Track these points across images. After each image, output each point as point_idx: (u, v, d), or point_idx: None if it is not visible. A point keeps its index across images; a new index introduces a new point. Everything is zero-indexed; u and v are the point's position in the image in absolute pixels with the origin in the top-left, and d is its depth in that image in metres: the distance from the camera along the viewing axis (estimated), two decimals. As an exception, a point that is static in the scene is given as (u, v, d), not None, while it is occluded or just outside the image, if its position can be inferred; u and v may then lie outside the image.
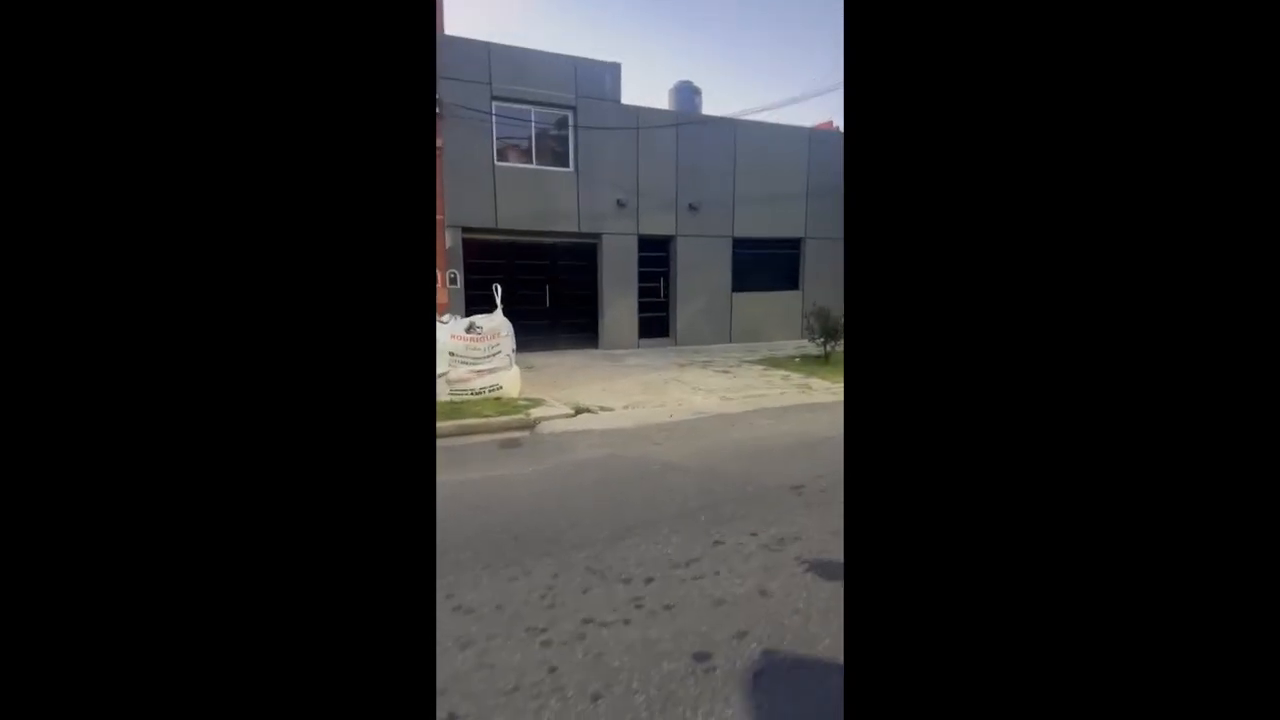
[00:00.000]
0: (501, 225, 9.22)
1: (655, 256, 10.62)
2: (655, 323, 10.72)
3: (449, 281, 8.88)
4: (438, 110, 8.50)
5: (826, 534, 2.89)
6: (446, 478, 3.65)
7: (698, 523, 3.05)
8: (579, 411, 5.74)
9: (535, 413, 5.59)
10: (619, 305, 10.23)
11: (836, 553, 2.68)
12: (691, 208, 10.62)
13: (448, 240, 8.82)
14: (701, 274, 10.87)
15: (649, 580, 2.44)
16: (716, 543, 2.80)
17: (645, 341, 10.55)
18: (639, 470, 3.91)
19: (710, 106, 11.51)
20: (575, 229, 9.78)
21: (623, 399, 6.34)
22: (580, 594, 2.33)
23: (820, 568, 2.55)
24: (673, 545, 2.77)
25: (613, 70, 9.83)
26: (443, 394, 5.90)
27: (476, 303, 8.42)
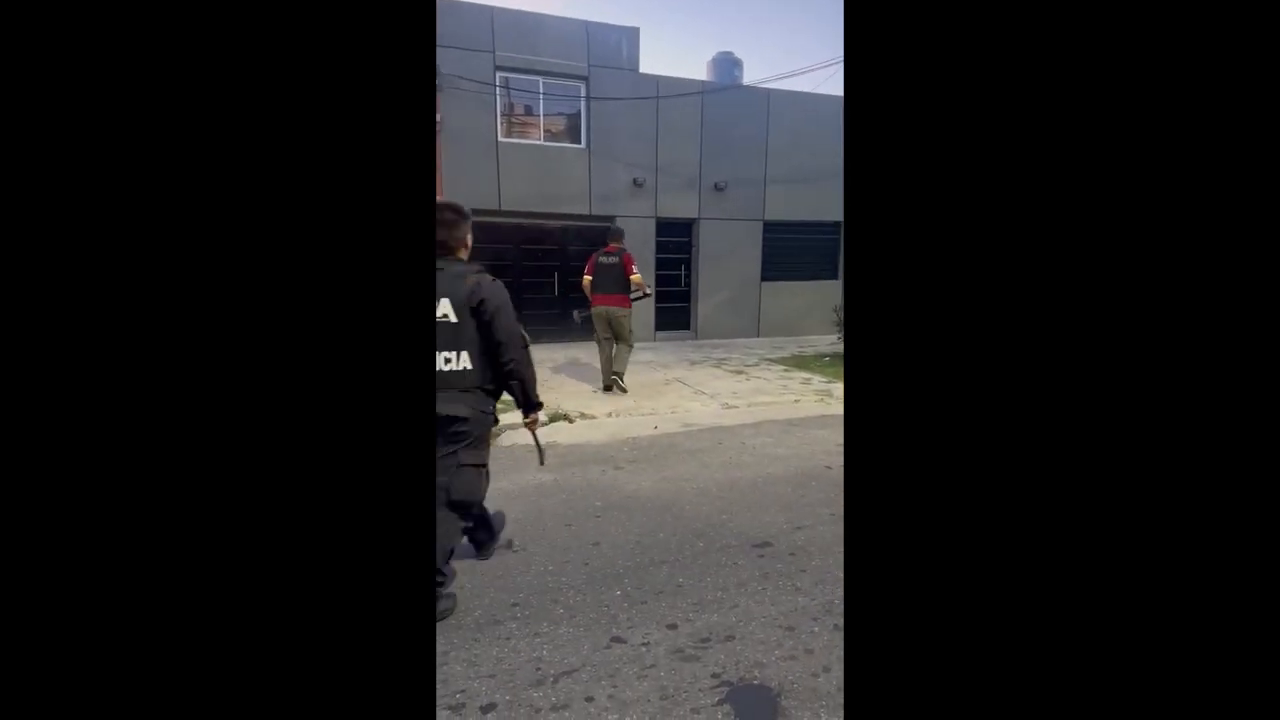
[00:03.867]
0: (505, 207, 8.60)
1: (675, 242, 9.78)
2: (674, 314, 9.91)
3: (448, 267, 8.36)
4: (435, 82, 7.92)
5: (773, 630, 2.11)
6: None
7: (609, 599, 2.33)
8: (553, 419, 5.08)
9: (503, 420, 4.96)
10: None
11: (774, 668, 1.91)
12: (717, 188, 9.69)
13: (447, 223, 8.28)
14: (727, 261, 9.95)
15: (487, 709, 1.74)
16: (615, 640, 2.07)
17: (662, 334, 9.76)
18: (576, 509, 3.21)
19: (753, 79, 10.46)
20: (587, 211, 9.05)
21: (610, 403, 5.64)
22: (379, 730, 1.66)
23: (742, 698, 1.78)
24: (554, 641, 2.06)
25: (630, 35, 8.97)
26: (408, 394, 5.36)
27: (478, 290, 7.89)
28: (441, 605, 2.19)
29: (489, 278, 2.17)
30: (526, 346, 2.23)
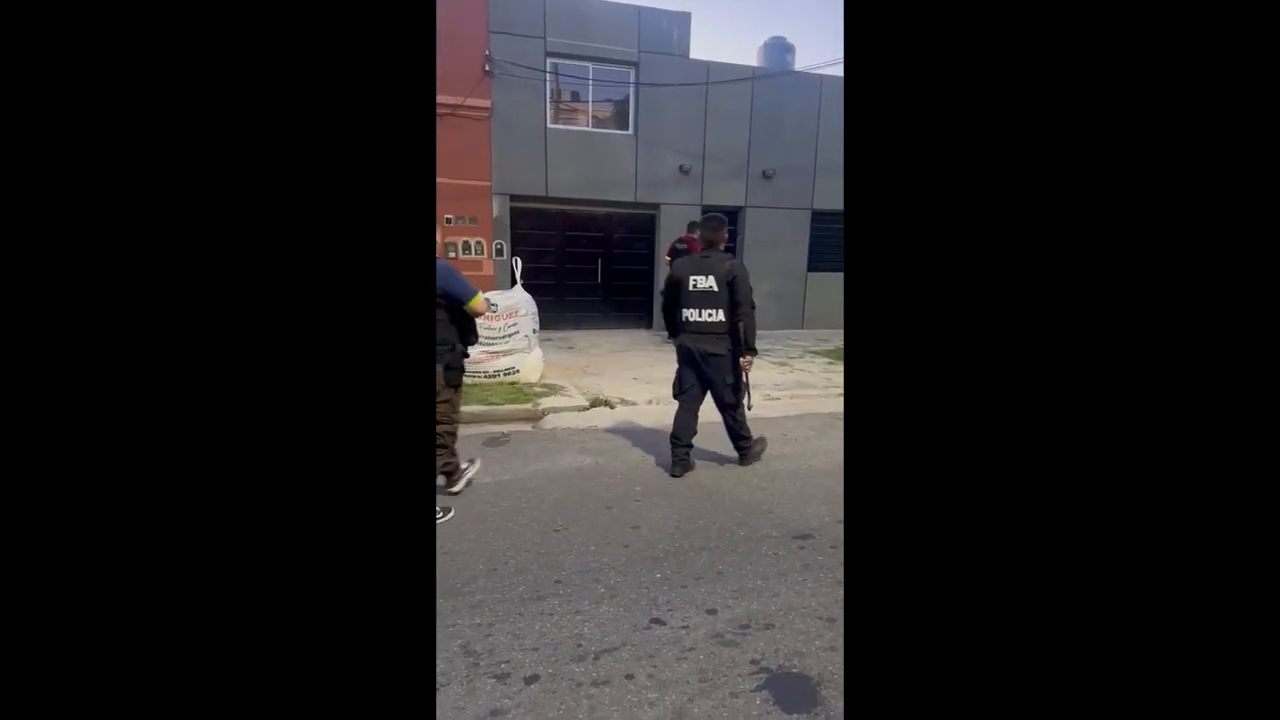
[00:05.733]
0: (552, 193, 8.67)
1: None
2: (717, 303, 9.85)
3: (495, 253, 8.49)
4: (486, 68, 8.01)
5: (812, 621, 2.11)
6: (394, 483, 3.16)
7: (649, 581, 2.36)
8: (595, 404, 5.13)
9: (546, 403, 5.05)
10: (677, 282, 9.45)
11: (813, 657, 1.90)
12: (765, 175, 9.54)
13: (495, 209, 8.40)
14: (773, 251, 9.80)
15: (530, 680, 1.79)
16: (655, 621, 2.10)
17: (705, 323, 9.72)
18: (616, 492, 3.25)
19: (805, 65, 10.22)
20: (632, 198, 9.05)
21: (650, 391, 5.66)
22: (428, 692, 1.73)
23: (781, 685, 1.79)
24: (595, 619, 2.10)
25: (681, 21, 8.88)
26: (454, 375, 5.49)
27: (525, 276, 8.01)
28: (755, 452, 3.71)
29: (738, 262, 3.41)
30: (753, 309, 3.39)
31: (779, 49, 10.38)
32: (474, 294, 2.86)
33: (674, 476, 3.48)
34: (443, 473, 3.05)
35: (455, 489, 3.11)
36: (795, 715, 1.68)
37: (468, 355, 3.02)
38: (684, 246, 7.36)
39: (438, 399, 2.83)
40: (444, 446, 2.98)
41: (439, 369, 2.82)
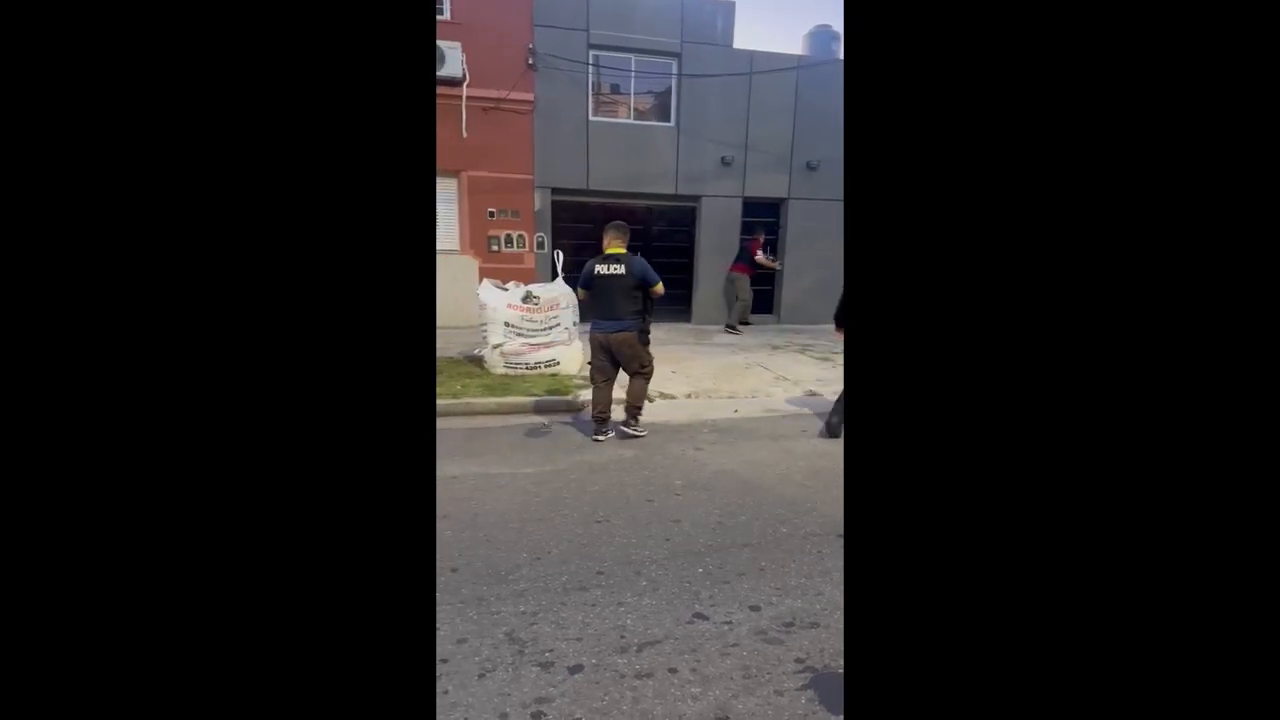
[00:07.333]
0: (593, 186, 8.68)
1: (763, 223, 9.54)
2: (757, 297, 9.69)
3: (536, 246, 8.57)
4: (530, 62, 8.06)
5: (860, 623, 2.06)
6: (441, 470, 3.23)
7: (690, 575, 2.34)
8: (634, 397, 5.13)
9: (586, 395, 5.05)
10: (717, 276, 9.35)
11: (861, 661, 1.86)
12: (809, 166, 9.35)
13: (536, 202, 8.47)
14: (816, 243, 9.60)
15: (574, 669, 1.80)
16: (698, 616, 2.08)
17: (745, 317, 9.60)
18: (657, 485, 3.24)
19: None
20: (673, 190, 8.98)
21: (689, 384, 5.63)
22: (475, 678, 1.76)
23: (826, 685, 1.75)
24: (638, 611, 2.10)
25: (725, 10, 8.74)
26: (496, 367, 5.58)
27: (567, 269, 8.05)
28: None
29: None
30: None
31: (825, 37, 10.12)
32: (658, 280, 4.00)
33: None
34: (634, 406, 4.17)
35: (641, 433, 4.18)
36: (841, 716, 1.64)
37: (650, 321, 4.12)
38: (743, 244, 8.77)
39: (635, 354, 4.03)
40: (646, 377, 4.13)
41: (635, 334, 3.99)
